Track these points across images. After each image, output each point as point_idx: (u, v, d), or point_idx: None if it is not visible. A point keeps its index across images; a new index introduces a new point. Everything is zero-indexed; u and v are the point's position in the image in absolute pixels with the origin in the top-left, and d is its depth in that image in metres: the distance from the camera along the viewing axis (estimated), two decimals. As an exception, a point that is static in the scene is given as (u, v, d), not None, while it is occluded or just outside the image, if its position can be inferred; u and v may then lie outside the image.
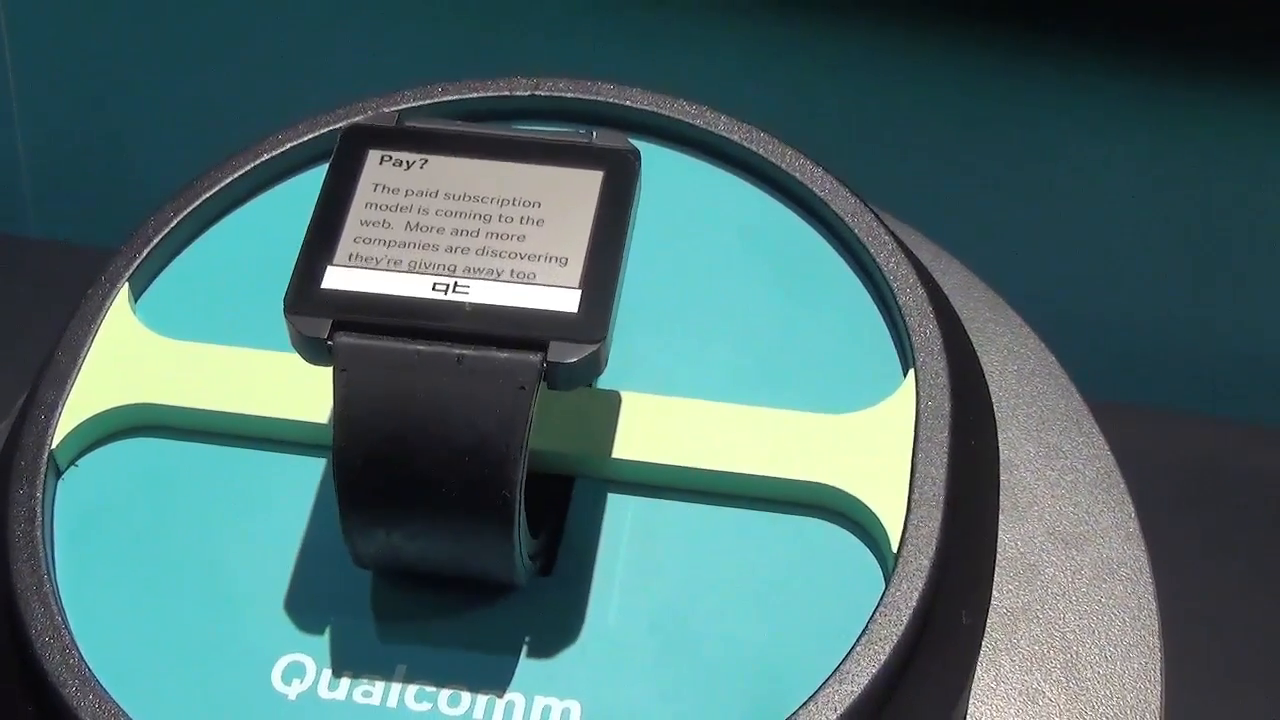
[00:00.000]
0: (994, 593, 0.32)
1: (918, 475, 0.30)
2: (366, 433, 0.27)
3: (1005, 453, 0.35)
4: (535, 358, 0.27)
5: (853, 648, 0.28)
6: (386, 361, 0.27)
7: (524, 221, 0.29)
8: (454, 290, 0.28)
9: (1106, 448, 0.37)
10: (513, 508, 0.27)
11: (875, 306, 0.33)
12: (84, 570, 0.30)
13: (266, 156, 0.35)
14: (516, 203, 0.29)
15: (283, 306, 0.28)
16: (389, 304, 0.28)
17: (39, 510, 0.30)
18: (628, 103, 0.35)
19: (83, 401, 0.32)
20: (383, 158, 0.29)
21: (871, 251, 0.33)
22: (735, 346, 0.33)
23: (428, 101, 0.36)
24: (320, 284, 0.28)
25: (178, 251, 0.35)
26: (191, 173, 0.36)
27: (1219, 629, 0.58)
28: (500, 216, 0.29)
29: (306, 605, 0.30)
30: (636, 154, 0.30)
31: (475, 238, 0.29)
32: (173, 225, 0.34)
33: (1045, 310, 0.42)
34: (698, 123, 0.35)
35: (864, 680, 0.28)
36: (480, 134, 0.30)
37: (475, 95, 0.36)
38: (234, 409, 0.32)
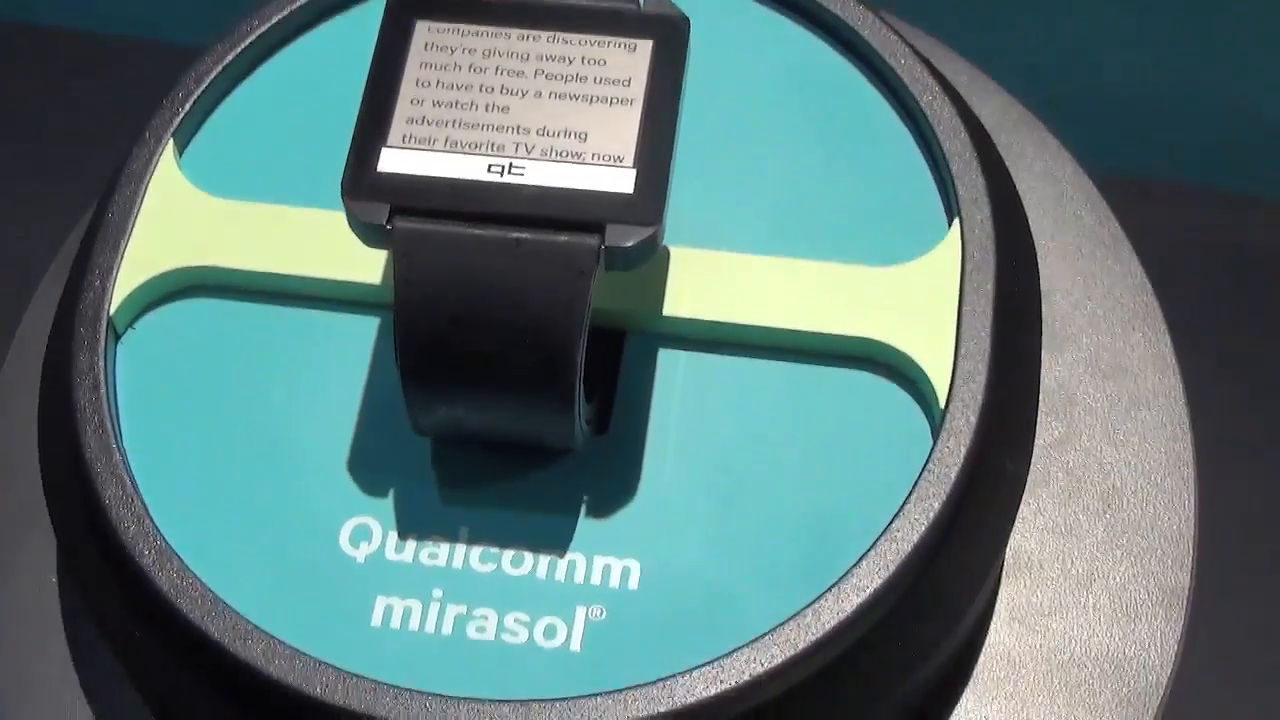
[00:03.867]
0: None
1: (964, 330, 0.31)
2: (427, 316, 0.28)
3: (1044, 283, 0.35)
4: (593, 241, 0.27)
5: (902, 506, 0.29)
6: (445, 246, 0.27)
7: (576, 97, 0.29)
8: (509, 171, 0.28)
9: (1144, 275, 0.37)
10: (573, 385, 0.28)
11: (920, 152, 0.33)
12: (148, 437, 0.31)
13: (301, 1, 0.35)
14: (568, 77, 0.29)
15: (340, 191, 0.28)
16: (446, 187, 0.28)
17: (102, 378, 0.31)
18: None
19: (137, 264, 0.32)
20: (430, 28, 0.29)
21: (915, 95, 0.33)
22: (781, 198, 0.33)
23: None
24: (376, 167, 0.28)
25: (219, 100, 0.34)
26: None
27: (1251, 458, 0.59)
28: (552, 93, 0.29)
29: (370, 468, 0.30)
30: (686, 21, 0.29)
31: (527, 115, 0.28)
32: (214, 75, 0.34)
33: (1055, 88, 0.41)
34: (738, -41, 0.35)
35: (915, 537, 0.29)
36: (528, 2, 0.30)
37: None
38: (289, 270, 0.32)
